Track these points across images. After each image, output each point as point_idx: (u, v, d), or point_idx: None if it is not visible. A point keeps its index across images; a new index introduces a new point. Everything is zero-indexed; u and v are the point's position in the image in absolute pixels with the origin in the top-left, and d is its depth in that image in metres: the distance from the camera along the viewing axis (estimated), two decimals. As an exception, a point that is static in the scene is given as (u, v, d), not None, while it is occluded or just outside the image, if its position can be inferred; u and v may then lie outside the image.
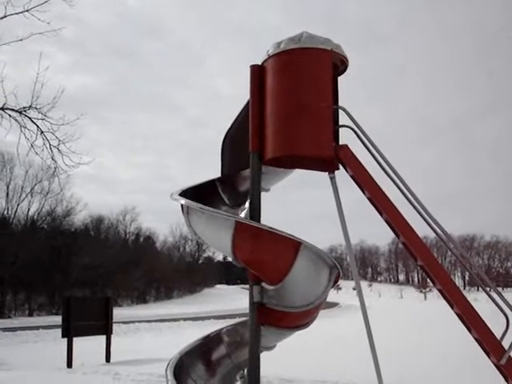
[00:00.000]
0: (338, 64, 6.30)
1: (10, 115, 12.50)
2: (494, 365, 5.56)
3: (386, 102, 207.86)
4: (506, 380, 5.54)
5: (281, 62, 6.14)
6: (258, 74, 6.31)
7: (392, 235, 6.38)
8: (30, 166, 46.95)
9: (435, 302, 68.99)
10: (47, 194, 49.57)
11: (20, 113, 12.53)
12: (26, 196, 49.60)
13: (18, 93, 12.58)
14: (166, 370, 5.70)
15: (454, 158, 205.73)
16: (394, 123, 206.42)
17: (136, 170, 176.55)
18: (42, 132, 12.80)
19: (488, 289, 6.02)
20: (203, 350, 6.57)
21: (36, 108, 12.63)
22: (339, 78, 6.45)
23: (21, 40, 12.99)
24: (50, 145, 12.92)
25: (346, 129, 6.12)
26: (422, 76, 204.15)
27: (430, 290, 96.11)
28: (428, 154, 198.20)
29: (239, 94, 6.85)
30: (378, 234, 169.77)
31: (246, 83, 6.44)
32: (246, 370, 6.46)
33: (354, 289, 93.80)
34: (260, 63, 6.36)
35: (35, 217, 51.20)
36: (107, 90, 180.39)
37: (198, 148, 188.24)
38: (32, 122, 12.74)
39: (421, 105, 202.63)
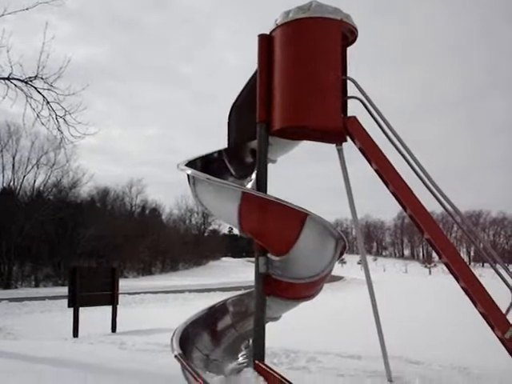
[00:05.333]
0: (348, 34, 6.24)
1: (15, 85, 12.38)
2: (499, 338, 5.56)
3: (393, 77, 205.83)
4: (510, 353, 5.54)
5: (289, 31, 6.08)
6: (266, 43, 6.25)
7: (398, 210, 6.39)
8: (35, 137, 46.69)
9: (440, 276, 69.20)
10: (53, 165, 49.39)
11: (26, 83, 12.41)
12: (32, 167, 49.45)
13: (23, 63, 12.48)
14: (172, 340, 5.74)
15: (461, 133, 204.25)
16: (402, 97, 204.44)
17: (142, 141, 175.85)
18: (47, 102, 12.68)
19: (494, 264, 6.00)
20: (209, 320, 6.61)
21: (42, 78, 12.49)
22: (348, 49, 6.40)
23: (27, 9, 12.83)
24: (55, 115, 12.80)
25: (355, 100, 6.08)
26: (430, 51, 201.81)
27: (435, 265, 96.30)
28: (434, 129, 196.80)
29: (247, 66, 6.81)
30: (383, 209, 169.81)
31: (254, 55, 6.39)
32: (250, 340, 6.50)
33: (358, 263, 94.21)
34: (268, 33, 6.30)
35: (41, 188, 51.18)
36: (113, 62, 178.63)
37: (205, 120, 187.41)
38: (38, 92, 12.61)
39: (429, 79, 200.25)
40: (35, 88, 12.60)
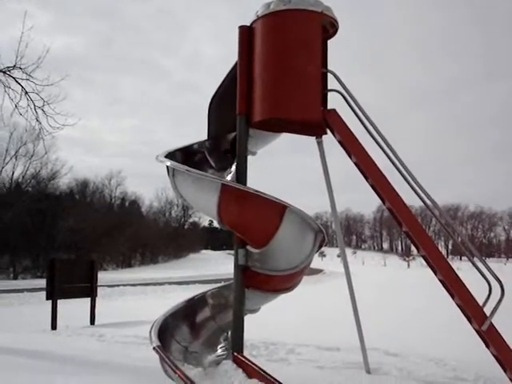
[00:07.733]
0: (328, 27, 6.23)
1: (-7, 75, 12.26)
2: (476, 331, 5.62)
3: (376, 69, 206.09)
4: (487, 346, 5.61)
5: (270, 23, 6.05)
6: (246, 35, 6.22)
7: (377, 203, 6.41)
8: (14, 128, 46.34)
9: (418, 270, 69.77)
10: (32, 156, 49.14)
11: (4, 72, 12.26)
12: (11, 159, 49.23)
13: (1, 52, 12.35)
14: (151, 332, 5.72)
15: (440, 127, 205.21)
16: (384, 90, 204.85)
17: (122, 133, 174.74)
18: (26, 92, 12.56)
19: (472, 257, 6.05)
20: (188, 312, 6.60)
21: (20, 68, 12.36)
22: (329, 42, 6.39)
23: (5, -3, 12.68)
24: (34, 106, 12.69)
25: (335, 93, 6.08)
26: (414, 42, 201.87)
27: (414, 258, 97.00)
28: (414, 122, 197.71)
29: (227, 57, 6.77)
30: (363, 202, 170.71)
31: (234, 46, 6.36)
32: (229, 333, 6.50)
33: (338, 256, 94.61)
34: (249, 24, 6.28)
35: (20, 180, 50.92)
36: (91, 52, 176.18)
37: (184, 112, 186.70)
38: (16, 82, 12.48)
39: (412, 71, 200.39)
40: (13, 78, 12.47)
